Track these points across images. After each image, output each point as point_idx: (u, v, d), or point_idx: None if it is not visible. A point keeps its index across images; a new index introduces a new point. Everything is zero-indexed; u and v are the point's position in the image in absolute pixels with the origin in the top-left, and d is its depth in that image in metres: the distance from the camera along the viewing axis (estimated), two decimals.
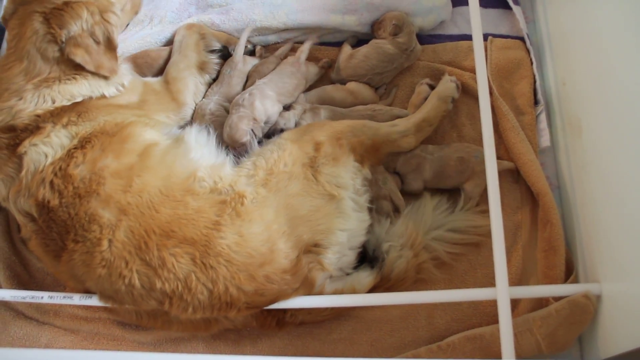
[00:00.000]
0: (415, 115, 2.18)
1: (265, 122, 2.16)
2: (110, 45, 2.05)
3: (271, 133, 2.22)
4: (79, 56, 1.94)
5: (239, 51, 2.39)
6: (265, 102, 2.19)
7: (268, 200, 1.87)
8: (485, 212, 2.08)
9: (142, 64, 2.39)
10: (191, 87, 2.31)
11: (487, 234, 2.03)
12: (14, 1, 1.98)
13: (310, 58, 2.45)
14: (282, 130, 2.19)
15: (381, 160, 2.12)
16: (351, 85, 2.35)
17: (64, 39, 1.93)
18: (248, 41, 2.46)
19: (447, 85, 2.26)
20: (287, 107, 2.28)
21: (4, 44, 2.13)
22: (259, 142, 2.15)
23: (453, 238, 2.11)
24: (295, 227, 1.85)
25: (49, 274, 2.24)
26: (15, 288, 2.19)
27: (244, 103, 2.17)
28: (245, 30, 2.42)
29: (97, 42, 2.00)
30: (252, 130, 2.14)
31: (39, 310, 2.18)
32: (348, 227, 1.94)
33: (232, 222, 1.82)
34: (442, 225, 2.12)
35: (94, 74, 2.00)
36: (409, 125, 2.14)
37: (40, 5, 1.93)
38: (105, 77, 2.02)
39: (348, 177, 1.97)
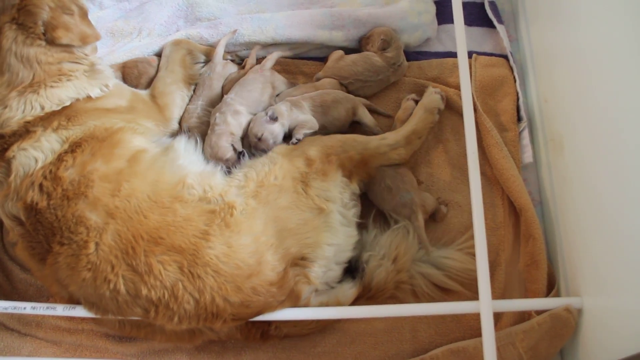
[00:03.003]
0: (404, 128, 2.21)
1: (260, 140, 2.15)
2: (82, 12, 2.05)
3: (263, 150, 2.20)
4: (64, 37, 1.95)
5: (218, 52, 2.43)
6: (237, 117, 2.21)
7: (257, 212, 1.88)
8: None
9: (130, 74, 2.40)
10: (178, 101, 2.33)
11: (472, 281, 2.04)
12: None
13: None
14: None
15: (371, 175, 2.12)
16: (324, 80, 2.37)
17: (43, 30, 1.93)
18: (234, 53, 2.49)
19: (432, 97, 2.30)
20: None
21: None
22: (241, 155, 2.16)
23: (438, 279, 2.08)
24: (283, 240, 1.86)
25: (32, 285, 2.22)
26: None
27: (217, 122, 2.19)
28: (227, 35, 2.45)
29: (71, 14, 2.00)
30: (233, 145, 2.16)
31: (21, 322, 2.16)
32: (335, 241, 1.95)
33: (221, 233, 1.82)
34: (432, 261, 2.11)
35: (75, 67, 2.02)
36: (398, 138, 2.16)
37: (5, 15, 1.91)
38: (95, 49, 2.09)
39: (336, 191, 2.00)
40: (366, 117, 2.30)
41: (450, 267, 2.10)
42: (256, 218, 1.87)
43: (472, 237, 2.11)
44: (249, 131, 2.18)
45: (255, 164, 2.02)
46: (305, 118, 2.20)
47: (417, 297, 2.09)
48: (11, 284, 2.24)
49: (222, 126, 2.17)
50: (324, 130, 2.24)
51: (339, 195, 1.99)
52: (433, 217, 2.22)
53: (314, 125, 2.19)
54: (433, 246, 2.14)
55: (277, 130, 2.16)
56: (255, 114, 2.25)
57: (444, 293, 2.10)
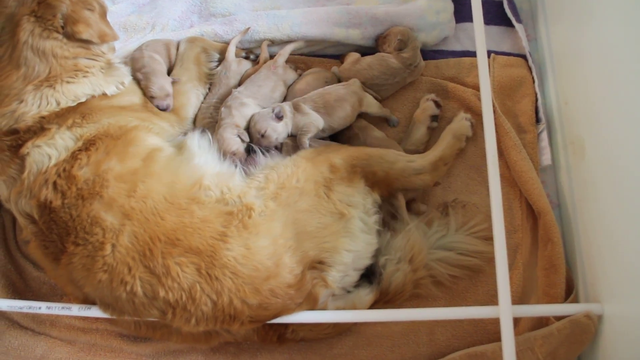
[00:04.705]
0: (431, 153, 2.17)
1: (263, 136, 2.14)
2: (102, 10, 2.05)
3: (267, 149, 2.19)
4: (84, 32, 1.95)
5: (230, 50, 2.40)
6: (242, 110, 2.20)
7: (276, 214, 1.86)
8: (488, 238, 2.10)
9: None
10: (193, 100, 2.31)
11: (489, 260, 2.07)
12: None
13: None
14: (281, 145, 2.19)
15: (390, 194, 2.10)
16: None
17: (62, 24, 1.92)
18: (248, 50, 2.47)
19: (462, 123, 2.27)
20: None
21: None
22: (251, 148, 2.16)
23: (454, 259, 2.10)
24: (302, 243, 1.85)
25: (45, 283, 2.21)
26: (10, 297, 2.17)
27: (222, 115, 2.19)
28: (238, 34, 2.43)
29: (92, 10, 2.00)
30: (239, 136, 2.15)
31: (35, 320, 2.15)
32: (354, 248, 1.93)
33: (239, 234, 1.81)
34: (444, 246, 2.11)
35: (91, 63, 2.01)
36: (424, 164, 2.12)
37: (25, 8, 1.91)
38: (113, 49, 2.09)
39: (359, 197, 1.97)
40: (373, 107, 2.29)
41: (462, 249, 2.11)
42: (275, 220, 1.85)
43: (480, 222, 2.16)
44: (253, 126, 2.17)
45: (277, 166, 2.00)
46: (305, 121, 2.17)
47: (439, 285, 2.09)
48: (24, 282, 2.23)
49: (227, 119, 2.17)
50: (330, 130, 2.22)
51: (361, 201, 1.97)
52: (411, 210, 2.21)
53: (318, 124, 2.17)
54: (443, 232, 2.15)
55: (280, 128, 2.16)
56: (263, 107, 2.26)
57: (463, 270, 2.10)
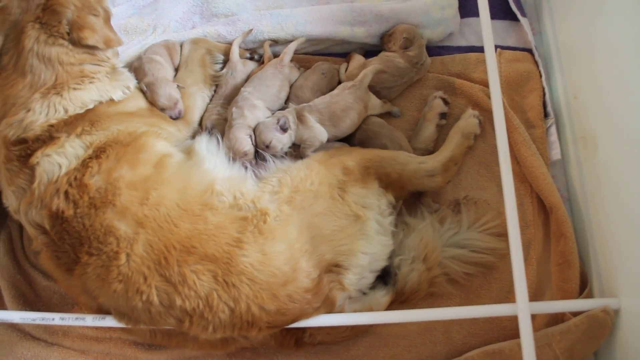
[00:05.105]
0: (441, 153, 2.17)
1: (268, 147, 2.12)
2: (107, 15, 2.03)
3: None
4: (90, 38, 1.92)
5: (234, 51, 2.38)
6: (254, 111, 2.18)
7: (291, 218, 1.85)
8: (500, 234, 2.11)
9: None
10: (199, 103, 2.29)
11: (502, 257, 2.09)
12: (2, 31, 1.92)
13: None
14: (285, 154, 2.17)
15: (403, 197, 2.10)
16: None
17: (68, 30, 1.90)
18: (252, 50, 2.45)
19: (470, 121, 2.26)
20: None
21: None
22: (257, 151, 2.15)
23: (467, 257, 2.10)
24: (318, 246, 1.83)
25: (55, 292, 2.19)
26: (21, 307, 2.15)
27: (234, 116, 2.16)
28: (241, 34, 2.40)
29: (97, 15, 1.98)
30: (251, 137, 2.14)
31: (48, 331, 2.13)
32: (371, 250, 1.92)
33: (255, 240, 1.79)
34: (457, 243, 2.11)
35: (97, 69, 1.99)
36: (436, 165, 2.12)
37: (29, 15, 1.88)
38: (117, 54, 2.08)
39: (374, 198, 1.97)
40: (377, 108, 2.27)
41: (476, 246, 2.11)
42: (290, 224, 1.84)
43: (492, 219, 2.16)
44: (258, 136, 2.14)
45: (290, 170, 1.98)
46: (309, 135, 2.14)
47: (453, 283, 2.09)
48: (34, 292, 2.21)
49: (239, 119, 2.15)
50: (334, 138, 2.21)
51: (376, 202, 1.96)
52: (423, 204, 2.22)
53: (322, 138, 2.15)
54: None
55: (285, 139, 2.14)
56: (271, 110, 2.25)
57: (476, 267, 2.10)
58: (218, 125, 2.25)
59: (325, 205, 1.89)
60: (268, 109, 2.25)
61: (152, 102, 2.14)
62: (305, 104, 2.21)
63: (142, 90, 2.16)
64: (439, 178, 2.12)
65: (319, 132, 2.14)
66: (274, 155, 2.12)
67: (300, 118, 2.16)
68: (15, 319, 1.96)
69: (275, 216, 1.84)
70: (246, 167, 2.05)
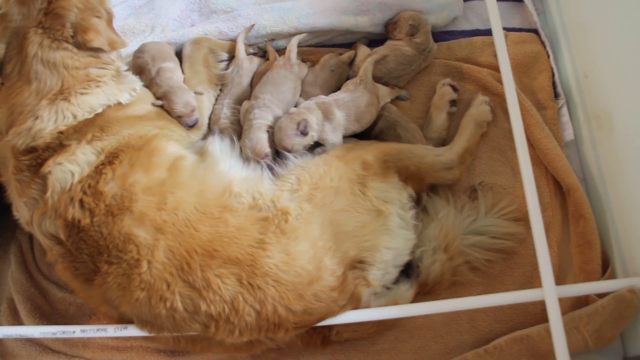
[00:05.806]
0: (457, 144, 2.15)
1: (289, 151, 2.05)
2: (109, 17, 1.99)
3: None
4: (95, 40, 1.88)
5: (239, 49, 2.33)
6: (274, 115, 2.14)
7: (313, 216, 1.82)
8: (518, 219, 2.10)
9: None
10: (206, 104, 2.25)
11: (521, 241, 2.08)
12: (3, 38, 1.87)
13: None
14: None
15: (423, 190, 2.08)
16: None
17: (72, 33, 1.85)
18: (255, 46, 2.40)
19: (482, 108, 2.23)
20: None
21: None
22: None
23: (487, 244, 2.08)
24: (341, 243, 1.80)
25: (71, 304, 2.16)
26: (37, 321, 2.12)
27: (256, 116, 2.10)
28: (243, 30, 2.35)
29: (100, 17, 1.93)
30: (269, 136, 2.09)
31: (67, 343, 2.09)
32: (394, 245, 1.89)
33: (278, 240, 1.76)
34: (477, 230, 2.09)
35: (102, 72, 1.95)
36: (452, 157, 2.10)
37: (30, 20, 1.83)
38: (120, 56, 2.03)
39: (395, 192, 1.94)
40: (387, 97, 2.24)
41: (495, 232, 2.09)
42: (312, 222, 1.81)
43: (509, 204, 2.14)
44: (278, 142, 2.07)
45: (308, 167, 1.94)
46: (334, 141, 2.09)
47: (475, 270, 2.07)
48: (50, 305, 2.17)
49: (260, 120, 2.10)
50: (353, 134, 2.18)
51: (397, 196, 1.93)
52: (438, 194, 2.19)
53: (339, 144, 2.11)
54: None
55: (306, 141, 2.07)
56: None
57: (497, 253, 2.08)
58: (226, 127, 2.19)
59: (346, 202, 1.85)
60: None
61: (168, 111, 2.09)
62: (330, 99, 2.14)
63: (159, 106, 2.11)
64: (456, 171, 2.10)
65: (339, 141, 2.10)
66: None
67: (328, 115, 2.09)
68: (35, 333, 1.93)
69: (297, 215, 1.81)
70: (262, 168, 2.01)
